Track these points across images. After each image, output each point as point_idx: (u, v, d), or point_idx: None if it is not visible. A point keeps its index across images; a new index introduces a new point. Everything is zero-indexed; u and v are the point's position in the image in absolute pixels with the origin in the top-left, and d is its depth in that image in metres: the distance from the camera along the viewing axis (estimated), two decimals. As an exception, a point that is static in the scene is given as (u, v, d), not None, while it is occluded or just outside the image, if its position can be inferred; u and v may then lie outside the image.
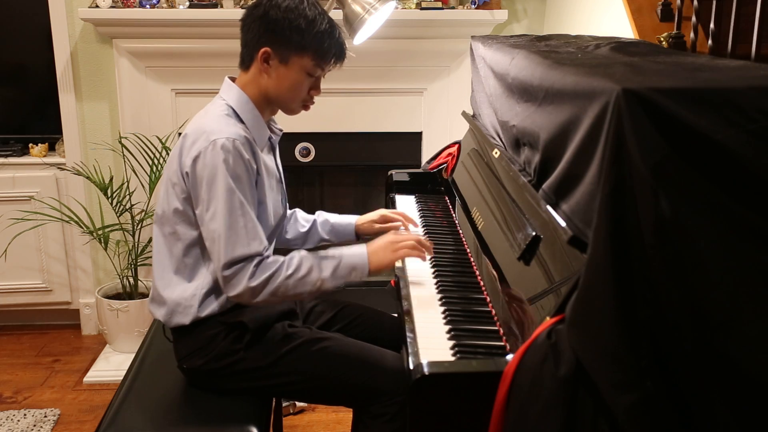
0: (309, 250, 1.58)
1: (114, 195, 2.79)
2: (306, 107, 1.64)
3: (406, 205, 2.14)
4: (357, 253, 1.55)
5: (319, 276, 1.50)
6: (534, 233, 1.32)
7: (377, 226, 1.84)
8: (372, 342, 1.69)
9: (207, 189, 1.47)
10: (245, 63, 1.60)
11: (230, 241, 1.45)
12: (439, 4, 2.80)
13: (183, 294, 1.56)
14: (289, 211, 1.88)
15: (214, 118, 1.53)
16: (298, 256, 1.51)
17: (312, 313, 1.81)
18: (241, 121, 1.56)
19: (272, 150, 1.69)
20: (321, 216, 1.90)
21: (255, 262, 1.46)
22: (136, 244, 2.83)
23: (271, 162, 1.65)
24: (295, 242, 1.88)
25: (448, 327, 1.32)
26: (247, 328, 1.56)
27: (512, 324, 1.25)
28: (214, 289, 1.55)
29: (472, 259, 1.66)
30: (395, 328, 1.77)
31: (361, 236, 1.88)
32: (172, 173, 1.55)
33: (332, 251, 1.55)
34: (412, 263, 1.66)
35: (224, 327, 1.56)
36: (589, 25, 2.55)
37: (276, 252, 1.63)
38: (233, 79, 1.63)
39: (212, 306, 1.56)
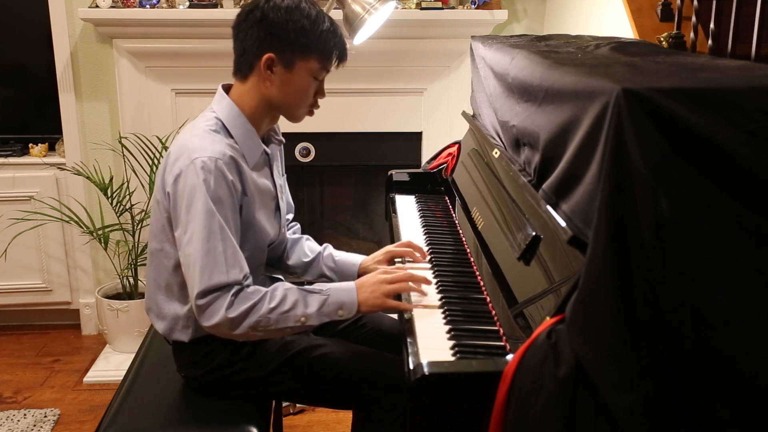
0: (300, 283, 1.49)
1: (114, 195, 2.79)
2: (311, 112, 1.57)
3: (406, 205, 2.14)
4: (346, 289, 1.45)
5: (304, 311, 1.40)
6: (534, 233, 1.32)
7: (382, 268, 1.63)
8: (372, 344, 1.69)
9: (186, 211, 1.38)
10: (242, 72, 1.50)
11: (207, 267, 1.35)
12: (439, 4, 2.80)
13: (178, 312, 1.53)
14: (296, 236, 1.81)
15: (199, 133, 1.44)
16: (282, 288, 1.42)
17: None
18: (231, 136, 1.48)
19: (268, 164, 1.59)
20: (327, 249, 1.78)
21: (233, 291, 1.37)
22: (136, 244, 2.83)
23: (264, 179, 1.55)
24: (295, 270, 1.78)
25: (448, 327, 1.32)
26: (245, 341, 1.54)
27: (512, 324, 1.25)
28: None
29: (472, 259, 1.66)
30: (395, 330, 1.76)
31: None
32: (157, 190, 1.49)
33: (319, 286, 1.46)
34: (412, 265, 1.66)
35: (222, 341, 1.52)
36: (589, 25, 2.55)
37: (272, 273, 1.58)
38: (228, 88, 1.54)
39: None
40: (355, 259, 1.75)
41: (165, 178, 1.44)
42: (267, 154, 1.58)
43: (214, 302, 1.36)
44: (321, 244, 1.83)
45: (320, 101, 1.58)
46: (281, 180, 1.69)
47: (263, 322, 1.39)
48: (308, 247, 1.79)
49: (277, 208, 1.63)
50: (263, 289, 1.41)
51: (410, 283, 1.45)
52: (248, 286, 1.41)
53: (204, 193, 1.37)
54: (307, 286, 1.46)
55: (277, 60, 1.45)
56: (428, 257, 1.69)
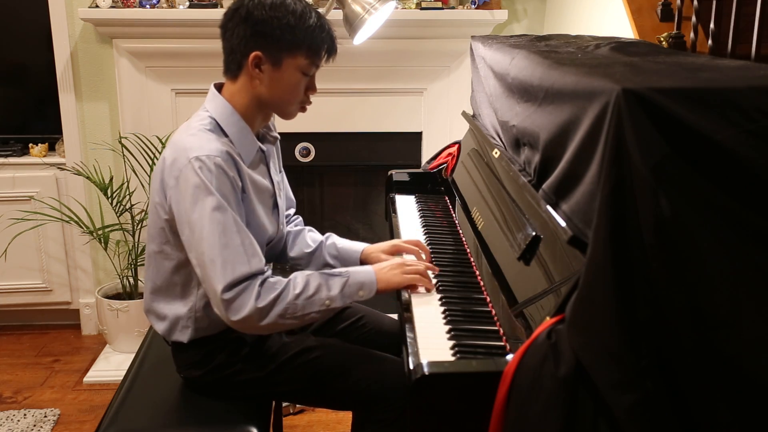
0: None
1: (114, 195, 2.79)
2: (303, 109, 1.56)
3: (406, 205, 2.14)
4: (364, 270, 1.47)
5: (328, 294, 1.42)
6: (534, 233, 1.32)
7: (384, 257, 1.69)
8: (372, 344, 1.69)
9: (191, 211, 1.37)
10: (232, 71, 1.49)
11: (229, 261, 1.35)
12: (439, 4, 2.80)
13: (179, 313, 1.52)
14: (298, 228, 1.81)
15: (194, 133, 1.44)
16: (302, 275, 1.43)
17: None
18: (225, 135, 1.47)
19: (265, 162, 1.59)
20: (329, 238, 1.78)
21: (259, 281, 1.37)
22: (136, 244, 2.83)
23: (261, 177, 1.55)
24: (299, 262, 1.78)
25: (448, 327, 1.32)
26: (244, 341, 1.54)
27: (512, 324, 1.25)
28: (209, 311, 1.48)
29: (472, 259, 1.66)
30: (395, 330, 1.76)
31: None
32: (155, 191, 1.47)
33: (338, 270, 1.47)
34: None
35: (222, 342, 1.53)
36: (589, 25, 2.55)
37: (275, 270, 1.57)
38: (220, 87, 1.53)
39: (209, 328, 1.52)
40: (357, 246, 1.76)
41: (165, 180, 1.43)
42: (263, 151, 1.57)
43: (242, 294, 1.36)
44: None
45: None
46: (278, 177, 1.69)
47: (291, 309, 1.39)
48: (310, 238, 1.79)
49: (275, 205, 1.63)
50: (284, 279, 1.42)
51: (425, 280, 1.46)
52: (270, 275, 1.42)
53: (210, 191, 1.36)
54: (325, 270, 1.47)
55: (264, 58, 1.45)
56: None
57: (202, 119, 1.48)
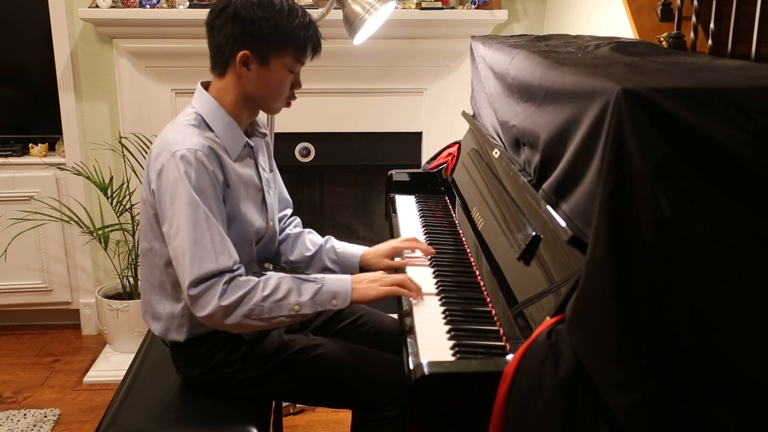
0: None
1: (114, 195, 2.79)
2: (288, 104, 1.57)
3: (406, 205, 2.14)
4: (340, 279, 1.45)
5: (298, 300, 1.40)
6: (534, 233, 1.32)
7: (385, 261, 1.69)
8: (372, 344, 1.69)
9: (170, 204, 1.39)
10: (219, 68, 1.49)
11: (196, 256, 1.35)
12: (439, 4, 2.80)
13: (173, 311, 1.52)
14: (297, 230, 1.81)
15: (178, 128, 1.45)
16: (275, 276, 1.42)
17: None
18: (211, 129, 1.48)
19: (252, 156, 1.60)
20: (329, 242, 1.78)
21: (225, 279, 1.37)
22: (136, 244, 2.83)
23: (248, 171, 1.55)
24: (299, 265, 1.77)
25: (448, 327, 1.32)
26: (242, 340, 1.54)
27: (512, 324, 1.25)
28: None
29: (472, 259, 1.66)
30: (395, 330, 1.76)
31: (365, 270, 1.74)
32: (144, 188, 1.49)
33: (314, 275, 1.47)
34: (413, 262, 1.66)
35: (220, 341, 1.53)
36: (589, 25, 2.55)
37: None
38: (207, 85, 1.54)
39: (205, 326, 1.50)
40: (356, 250, 1.75)
41: (149, 175, 1.45)
42: (250, 146, 1.58)
43: (207, 291, 1.36)
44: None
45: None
46: (268, 174, 1.69)
47: (257, 310, 1.38)
48: (310, 241, 1.79)
49: (264, 200, 1.63)
50: (255, 278, 1.41)
51: (403, 290, 1.44)
52: (240, 274, 1.41)
53: (186, 185, 1.37)
54: (301, 275, 1.46)
55: (252, 57, 1.45)
56: (428, 257, 1.69)
57: (187, 115, 1.49)
